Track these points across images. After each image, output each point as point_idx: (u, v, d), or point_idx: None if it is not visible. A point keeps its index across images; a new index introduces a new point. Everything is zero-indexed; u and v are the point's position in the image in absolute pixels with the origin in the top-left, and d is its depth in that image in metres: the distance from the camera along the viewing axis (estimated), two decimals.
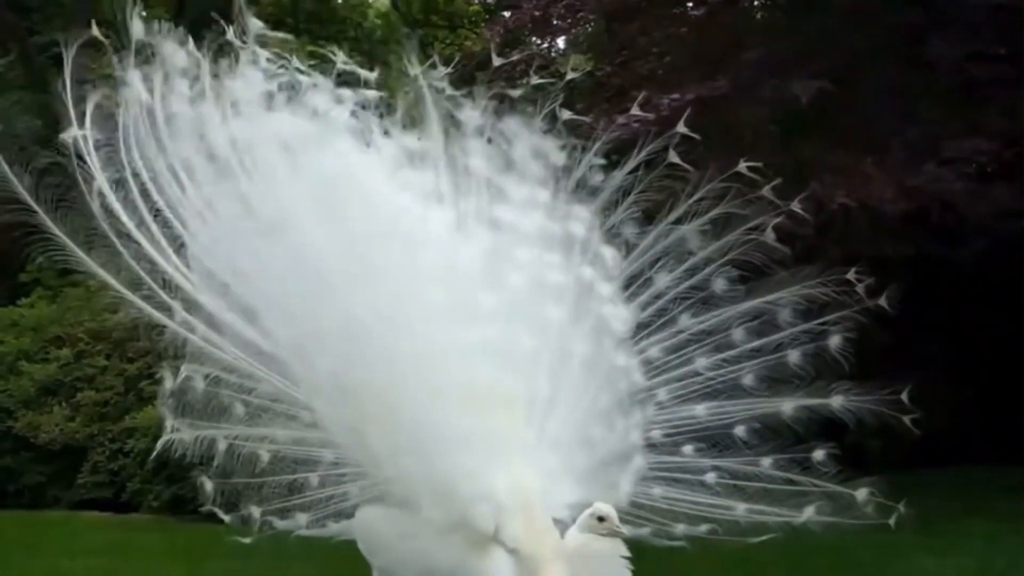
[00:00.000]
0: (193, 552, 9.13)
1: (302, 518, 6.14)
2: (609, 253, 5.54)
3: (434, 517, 4.43)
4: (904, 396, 5.53)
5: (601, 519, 4.28)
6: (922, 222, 12.87)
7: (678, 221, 5.92)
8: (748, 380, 5.71)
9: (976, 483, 13.08)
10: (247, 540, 6.00)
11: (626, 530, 4.41)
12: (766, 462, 5.52)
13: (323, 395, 4.93)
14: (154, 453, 6.24)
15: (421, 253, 4.76)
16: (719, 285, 5.89)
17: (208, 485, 6.01)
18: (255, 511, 6.15)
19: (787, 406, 5.66)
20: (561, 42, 16.94)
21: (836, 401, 5.71)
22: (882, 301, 5.86)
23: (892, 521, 5.37)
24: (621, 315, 5.33)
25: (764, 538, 5.26)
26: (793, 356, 5.75)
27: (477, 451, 4.44)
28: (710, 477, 5.48)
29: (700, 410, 5.57)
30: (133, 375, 13.20)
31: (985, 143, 12.01)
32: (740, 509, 5.39)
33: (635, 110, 8.04)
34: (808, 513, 5.37)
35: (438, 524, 4.41)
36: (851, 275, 5.73)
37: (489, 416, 4.47)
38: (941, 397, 15.72)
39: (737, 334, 5.80)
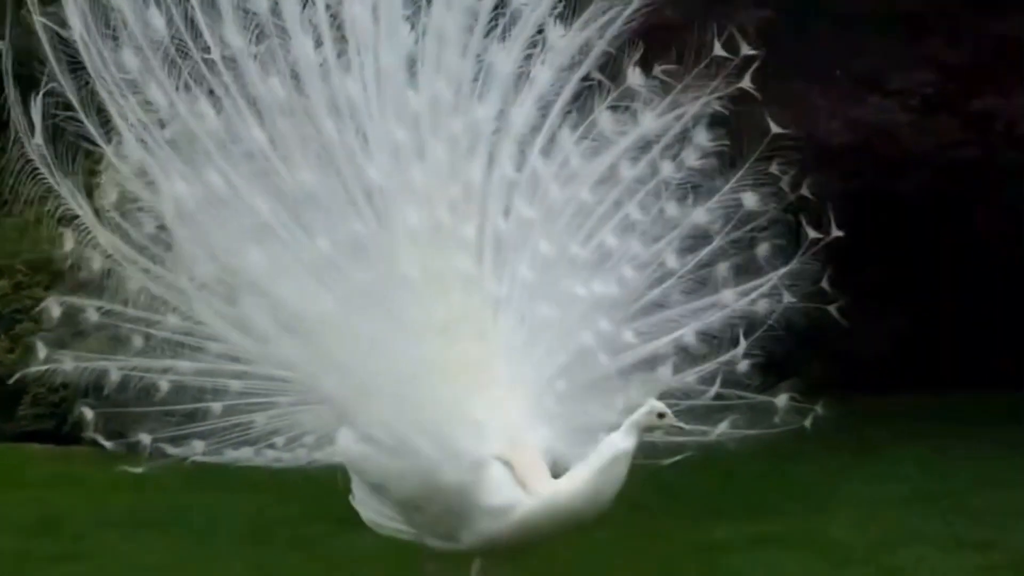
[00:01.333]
0: (138, 484, 9.05)
1: (199, 445, 6.12)
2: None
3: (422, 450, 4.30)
4: (834, 311, 5.49)
5: (661, 415, 4.23)
6: (866, 154, 12.94)
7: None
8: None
9: (913, 410, 13.32)
10: (138, 470, 6.02)
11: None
12: (691, 377, 5.37)
13: (292, 335, 4.78)
14: (12, 380, 6.23)
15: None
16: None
17: (89, 414, 5.93)
18: (145, 439, 6.10)
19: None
20: None
21: (762, 305, 5.69)
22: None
23: (808, 423, 5.32)
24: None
25: (679, 457, 5.09)
26: (722, 269, 5.66)
27: (458, 379, 4.39)
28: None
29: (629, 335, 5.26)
30: None
31: (930, 75, 12.04)
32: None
33: None
34: (722, 427, 5.27)
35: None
36: (775, 167, 5.63)
37: (464, 345, 4.42)
38: (880, 324, 15.98)
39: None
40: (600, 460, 4.12)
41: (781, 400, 5.44)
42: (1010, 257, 17.11)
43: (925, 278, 16.93)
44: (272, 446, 6.28)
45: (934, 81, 12.08)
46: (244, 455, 6.21)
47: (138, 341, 5.85)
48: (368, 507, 4.63)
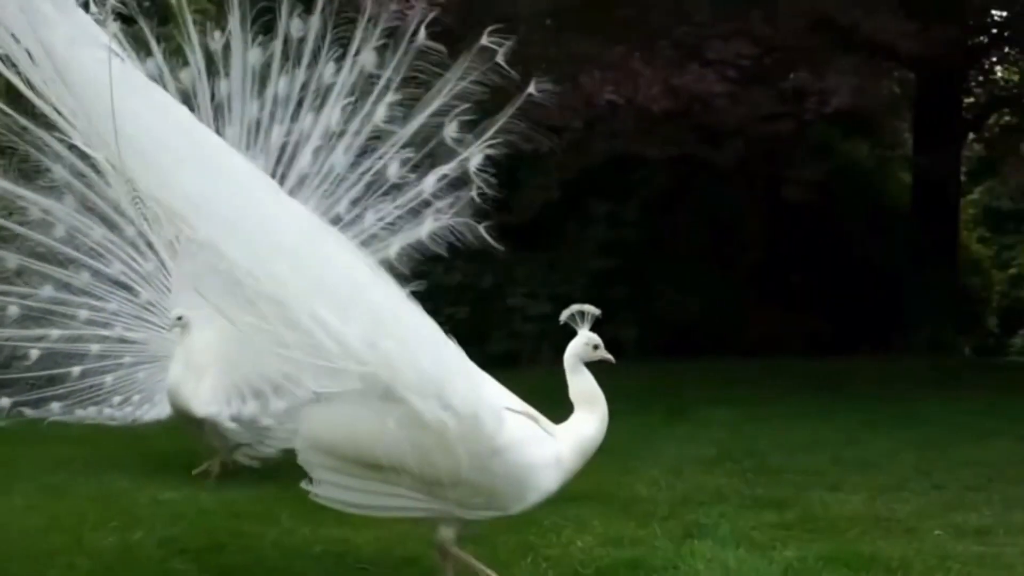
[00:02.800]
0: None
1: (56, 407, 6.71)
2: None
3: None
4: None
5: (596, 347, 4.22)
6: (685, 122, 13.22)
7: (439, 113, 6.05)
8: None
9: (726, 372, 13.74)
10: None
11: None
12: None
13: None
14: None
15: None
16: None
17: None
18: (6, 402, 6.66)
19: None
20: None
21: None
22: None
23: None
24: None
25: None
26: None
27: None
28: None
29: None
30: None
31: (748, 47, 12.35)
32: None
33: None
34: None
35: None
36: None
37: None
38: (697, 289, 16.47)
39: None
40: (597, 403, 4.16)
41: None
42: (819, 230, 17.86)
43: (745, 246, 17.52)
44: (111, 404, 6.88)
45: (751, 54, 12.38)
46: (90, 414, 6.79)
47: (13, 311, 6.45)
48: (352, 492, 4.10)
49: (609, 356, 4.27)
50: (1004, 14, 16.66)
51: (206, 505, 6.05)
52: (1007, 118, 19.48)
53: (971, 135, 19.49)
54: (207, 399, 6.43)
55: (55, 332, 6.87)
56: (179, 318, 6.48)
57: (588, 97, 11.78)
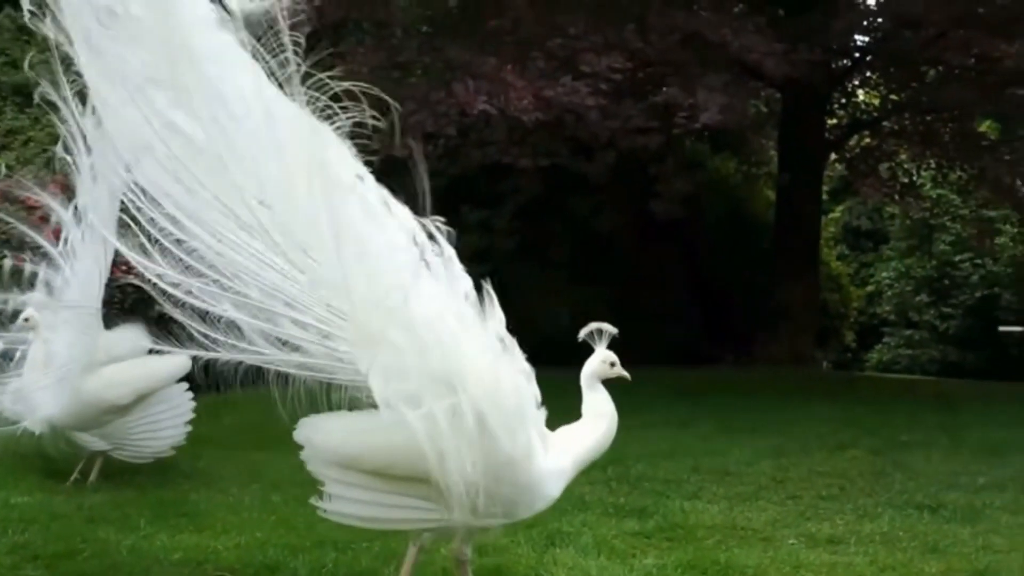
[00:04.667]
0: None
1: None
2: None
3: None
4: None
5: (612, 364, 4.25)
6: (558, 133, 13.33)
7: None
8: None
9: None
10: None
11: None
12: None
13: None
14: None
15: None
16: None
17: None
18: None
19: None
20: None
21: None
22: None
23: None
24: None
25: None
26: None
27: None
28: None
29: None
30: None
31: (621, 61, 12.50)
32: None
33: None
34: None
35: None
36: None
37: None
38: (566, 299, 16.57)
39: None
40: (604, 418, 4.18)
41: None
42: (687, 243, 18.18)
43: (611, 257, 17.69)
44: None
45: (624, 68, 12.54)
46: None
47: None
48: (367, 506, 3.88)
49: (625, 373, 4.30)
50: (867, 39, 17.23)
51: (60, 510, 5.87)
52: (867, 140, 20.10)
53: (833, 155, 20.06)
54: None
55: None
56: (26, 319, 6.39)
57: (462, 106, 11.79)
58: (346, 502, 3.86)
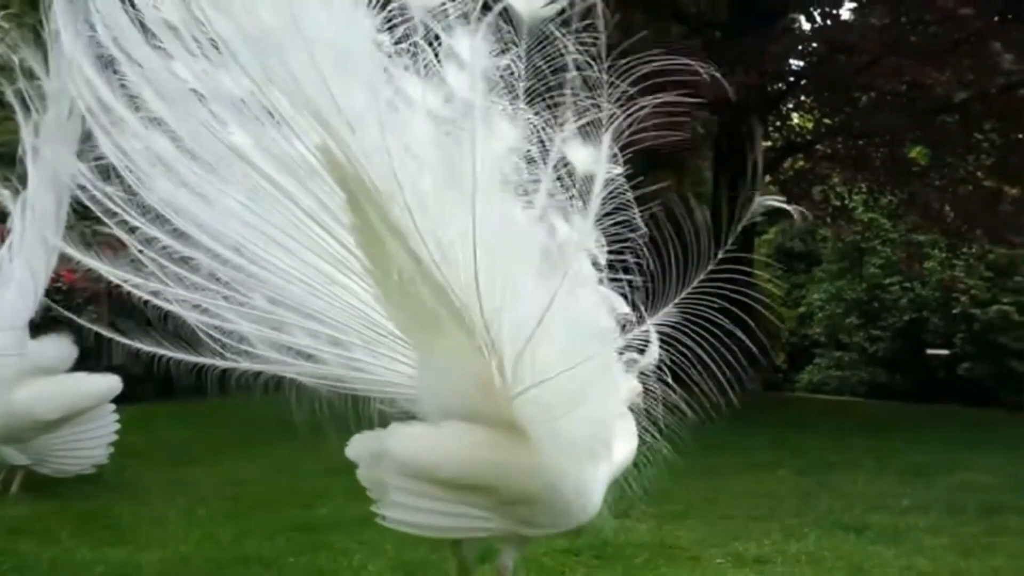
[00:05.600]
0: None
1: None
2: None
3: None
4: None
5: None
6: None
7: None
8: None
9: None
10: None
11: None
12: None
13: None
14: None
15: None
16: None
17: None
18: None
19: None
20: None
21: None
22: None
23: None
24: None
25: None
26: None
27: None
28: None
29: None
30: None
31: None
32: None
33: None
34: None
35: None
36: None
37: None
38: None
39: None
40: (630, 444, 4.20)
41: None
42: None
43: None
44: None
45: None
46: None
47: None
48: (427, 515, 3.73)
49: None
50: (801, 64, 17.50)
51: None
52: (800, 163, 20.40)
53: (767, 177, 20.33)
54: None
55: None
56: None
57: None
58: (406, 510, 3.69)
